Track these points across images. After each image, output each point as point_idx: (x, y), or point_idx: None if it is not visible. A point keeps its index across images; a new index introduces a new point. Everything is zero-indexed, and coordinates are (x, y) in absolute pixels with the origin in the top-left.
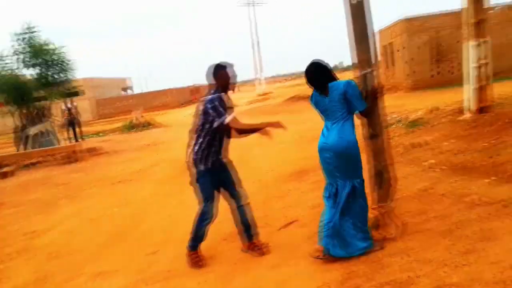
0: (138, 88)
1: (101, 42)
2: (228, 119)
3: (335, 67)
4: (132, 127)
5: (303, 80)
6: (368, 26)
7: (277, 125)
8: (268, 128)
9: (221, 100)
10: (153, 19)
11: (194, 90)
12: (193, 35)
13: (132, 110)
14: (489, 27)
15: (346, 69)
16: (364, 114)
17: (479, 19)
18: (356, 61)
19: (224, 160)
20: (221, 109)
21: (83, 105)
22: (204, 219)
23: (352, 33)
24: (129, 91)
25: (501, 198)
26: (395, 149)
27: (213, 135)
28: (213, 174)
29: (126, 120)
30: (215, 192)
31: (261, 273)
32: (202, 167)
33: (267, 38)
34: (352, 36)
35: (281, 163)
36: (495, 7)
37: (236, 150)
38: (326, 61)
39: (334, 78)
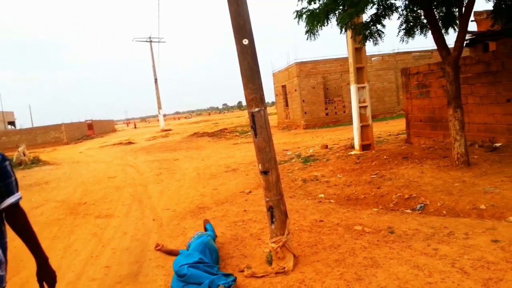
0: (23, 123)
1: None
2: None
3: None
4: (19, 164)
5: (204, 117)
6: (256, 66)
7: None
8: None
9: None
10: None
11: (91, 125)
12: (79, 69)
13: (18, 145)
14: (372, 73)
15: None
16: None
17: (359, 66)
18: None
19: None
20: None
21: None
22: None
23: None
24: (10, 127)
25: (386, 225)
26: (294, 182)
27: None
28: None
29: (10, 157)
30: None
31: None
32: None
33: (171, 75)
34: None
35: (178, 201)
36: (374, 56)
37: (130, 188)
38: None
39: None
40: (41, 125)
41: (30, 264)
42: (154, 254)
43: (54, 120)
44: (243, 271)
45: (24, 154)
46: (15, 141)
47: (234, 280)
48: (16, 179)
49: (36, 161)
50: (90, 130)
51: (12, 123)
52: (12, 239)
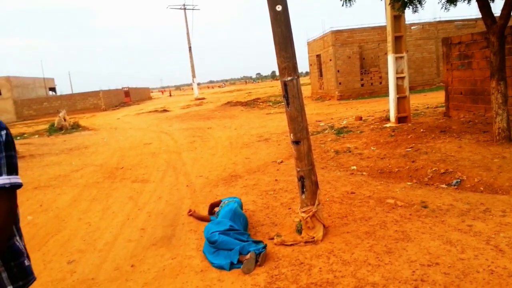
0: (62, 89)
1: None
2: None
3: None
4: (60, 128)
5: (237, 86)
6: (289, 34)
7: None
8: None
9: None
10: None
11: (128, 92)
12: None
13: (59, 111)
14: (411, 43)
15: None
16: None
17: (398, 35)
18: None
19: None
20: None
21: (4, 106)
22: None
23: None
24: (51, 93)
25: (420, 200)
26: (326, 154)
27: None
28: None
29: (51, 122)
30: None
31: (189, 278)
32: None
33: (205, 43)
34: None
35: (211, 169)
36: (413, 25)
37: (165, 154)
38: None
39: None
40: (80, 92)
41: (71, 223)
42: (187, 219)
43: (92, 87)
44: (273, 238)
45: (65, 119)
46: (56, 107)
47: (265, 247)
48: (10, 157)
49: (76, 127)
50: (127, 97)
51: (53, 89)
52: (54, 200)
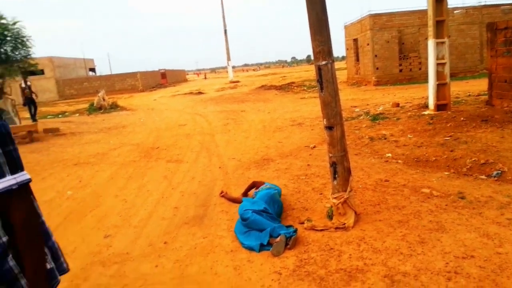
0: (102, 70)
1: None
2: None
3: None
4: (99, 108)
5: (272, 70)
6: (325, 17)
7: None
8: None
9: None
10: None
11: (164, 74)
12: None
13: (98, 91)
14: (453, 28)
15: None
16: None
17: (439, 19)
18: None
19: None
20: None
21: (47, 85)
22: None
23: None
24: (91, 73)
25: (457, 190)
26: (360, 140)
27: None
28: None
29: (91, 101)
30: None
31: (219, 257)
32: None
33: (241, 26)
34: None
35: (244, 151)
36: (456, 9)
37: (199, 136)
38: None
39: None
40: (118, 73)
41: (108, 199)
42: (219, 200)
43: (129, 69)
44: (303, 223)
45: (104, 99)
46: (95, 87)
47: (295, 231)
48: (9, 153)
49: (114, 106)
50: (163, 79)
51: (92, 69)
52: (92, 176)
